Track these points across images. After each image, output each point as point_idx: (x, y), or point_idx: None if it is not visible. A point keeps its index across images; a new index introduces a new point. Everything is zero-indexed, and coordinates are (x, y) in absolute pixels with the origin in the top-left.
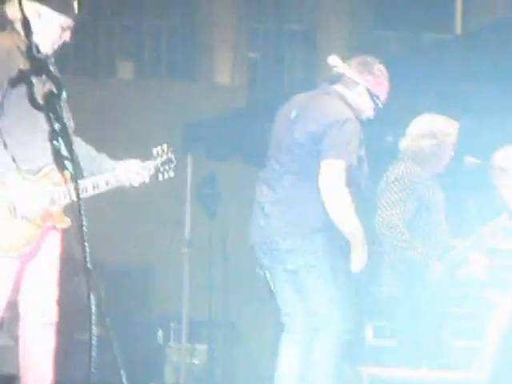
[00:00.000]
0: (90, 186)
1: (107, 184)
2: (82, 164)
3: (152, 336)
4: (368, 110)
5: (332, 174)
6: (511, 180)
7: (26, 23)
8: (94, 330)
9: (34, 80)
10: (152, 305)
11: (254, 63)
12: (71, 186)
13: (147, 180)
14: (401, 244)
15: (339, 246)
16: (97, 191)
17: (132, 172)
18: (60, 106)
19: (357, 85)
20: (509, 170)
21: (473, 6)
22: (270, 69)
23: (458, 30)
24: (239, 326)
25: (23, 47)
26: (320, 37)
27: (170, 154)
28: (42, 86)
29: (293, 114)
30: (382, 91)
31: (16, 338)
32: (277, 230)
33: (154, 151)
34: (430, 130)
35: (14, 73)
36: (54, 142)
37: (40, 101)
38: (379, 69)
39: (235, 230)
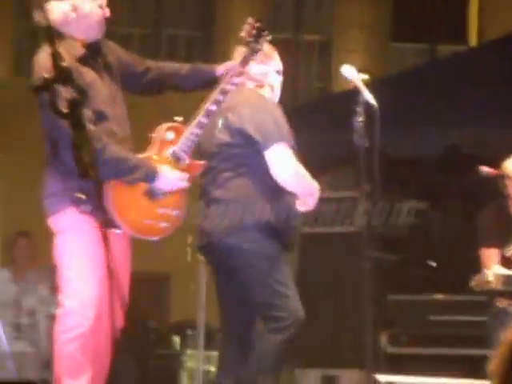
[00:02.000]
0: (203, 118)
1: (217, 101)
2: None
3: (169, 343)
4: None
5: (282, 156)
6: None
7: (49, 31)
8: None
9: (59, 88)
10: (169, 312)
11: None
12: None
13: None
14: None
15: (279, 242)
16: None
17: (228, 68)
18: (83, 113)
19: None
20: None
21: (487, 17)
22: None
23: (473, 41)
24: None
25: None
26: (337, 49)
27: (258, 25)
28: (66, 94)
29: (220, 122)
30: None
31: (36, 345)
32: (217, 229)
33: (243, 33)
34: None
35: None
36: (78, 150)
37: (63, 109)
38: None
39: None
